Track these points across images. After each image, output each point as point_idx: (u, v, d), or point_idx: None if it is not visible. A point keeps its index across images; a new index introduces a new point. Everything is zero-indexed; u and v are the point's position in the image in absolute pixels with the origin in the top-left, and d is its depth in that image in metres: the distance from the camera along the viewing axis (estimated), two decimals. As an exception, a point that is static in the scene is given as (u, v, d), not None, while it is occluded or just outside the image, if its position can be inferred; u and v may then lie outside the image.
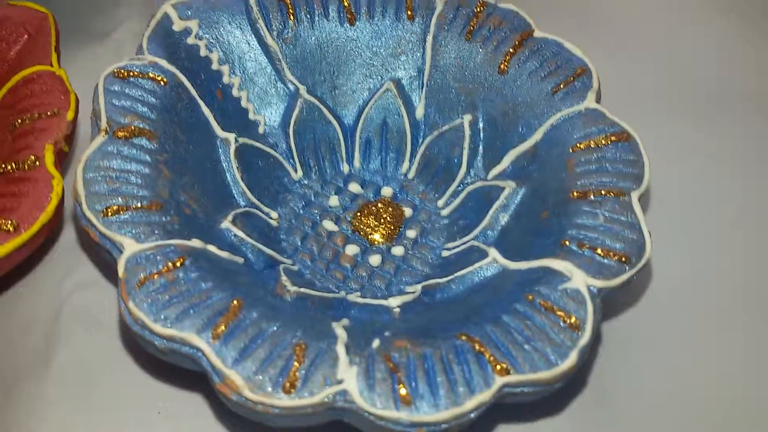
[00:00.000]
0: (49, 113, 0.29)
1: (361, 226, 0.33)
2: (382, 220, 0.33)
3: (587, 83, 0.32)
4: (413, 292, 0.30)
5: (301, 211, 0.33)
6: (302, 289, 0.28)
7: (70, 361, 0.29)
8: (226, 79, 0.33)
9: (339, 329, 0.26)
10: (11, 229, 0.26)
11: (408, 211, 0.33)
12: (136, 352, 0.29)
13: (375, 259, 0.32)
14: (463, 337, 0.25)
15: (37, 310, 0.30)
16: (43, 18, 0.32)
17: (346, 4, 0.34)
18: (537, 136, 0.32)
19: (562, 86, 0.32)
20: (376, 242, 0.32)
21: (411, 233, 0.33)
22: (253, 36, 0.34)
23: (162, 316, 0.25)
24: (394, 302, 0.29)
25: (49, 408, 0.28)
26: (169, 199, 0.28)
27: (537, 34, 0.34)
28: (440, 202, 0.34)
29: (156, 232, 0.27)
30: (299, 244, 0.32)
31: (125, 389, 0.28)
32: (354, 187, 0.34)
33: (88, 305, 0.30)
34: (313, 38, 0.34)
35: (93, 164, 0.28)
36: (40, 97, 0.30)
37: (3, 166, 0.28)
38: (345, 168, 0.35)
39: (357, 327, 0.26)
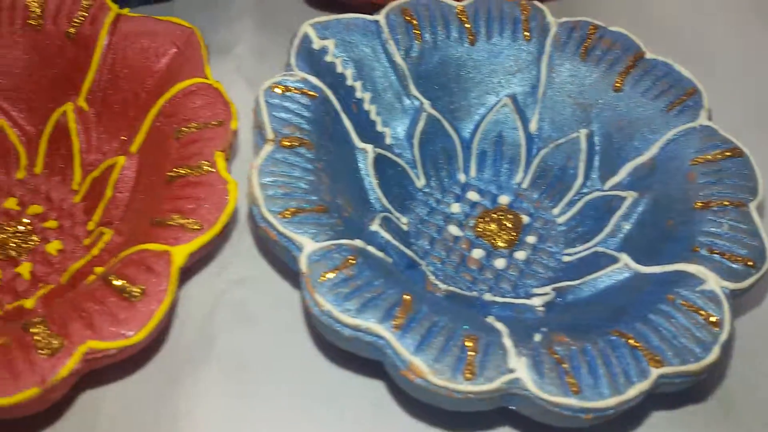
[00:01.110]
0: (214, 123, 0.32)
1: (485, 232, 0.35)
2: (504, 227, 0.35)
3: (699, 102, 0.35)
4: (545, 294, 0.32)
5: (426, 217, 0.36)
6: (451, 288, 0.31)
7: (229, 353, 0.31)
8: (358, 94, 0.36)
9: (497, 324, 0.28)
10: (197, 228, 0.29)
11: (525, 219, 0.36)
12: (295, 343, 0.31)
13: (500, 263, 0.34)
14: (617, 334, 0.28)
15: (197, 304, 0.32)
16: (190, 33, 0.35)
17: (467, 26, 0.37)
18: (654, 150, 0.34)
19: (675, 104, 0.34)
20: (499, 247, 0.35)
21: (530, 239, 0.35)
22: (383, 54, 0.36)
23: (346, 308, 0.27)
24: (537, 302, 0.31)
25: (212, 397, 0.30)
26: (331, 202, 0.31)
27: (647, 55, 0.36)
28: (555, 210, 0.36)
29: (327, 232, 0.29)
30: (428, 247, 0.35)
31: (285, 379, 0.31)
32: (472, 195, 0.37)
33: (243, 300, 0.33)
34: (436, 57, 0.37)
35: (266, 171, 0.30)
36: (204, 108, 0.32)
37: (176, 170, 0.31)
38: (462, 177, 0.37)
39: (506, 323, 0.29)
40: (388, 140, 0.36)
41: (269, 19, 0.43)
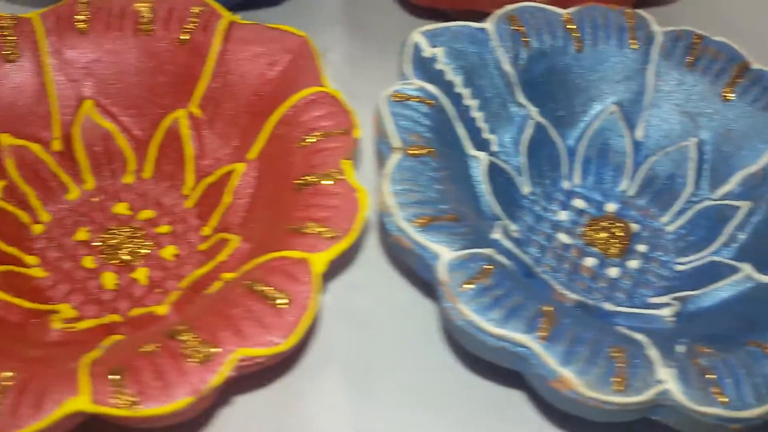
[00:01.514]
0: (338, 131, 0.32)
1: (594, 240, 0.35)
2: (614, 235, 0.35)
3: (809, 113, 0.35)
4: (672, 304, 0.32)
5: (534, 224, 0.36)
6: (580, 297, 0.31)
7: (351, 360, 0.32)
8: (466, 102, 0.36)
9: (637, 335, 0.28)
10: (333, 236, 0.29)
11: (635, 227, 0.36)
12: (422, 351, 0.32)
13: (613, 272, 0.35)
14: (754, 344, 0.28)
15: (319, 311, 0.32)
16: (302, 41, 0.35)
17: (574, 33, 0.37)
18: (765, 159, 0.34)
19: (787, 114, 0.35)
20: (612, 255, 0.35)
21: (641, 248, 0.35)
22: (491, 62, 0.36)
23: (490, 317, 0.27)
24: (667, 312, 0.31)
25: (335, 404, 0.31)
26: (459, 211, 0.31)
27: (753, 65, 0.36)
28: (664, 219, 0.36)
29: (460, 241, 0.29)
30: (538, 255, 0.35)
31: (412, 388, 0.31)
32: (578, 203, 0.37)
33: (365, 307, 0.33)
34: (543, 64, 0.37)
35: (396, 179, 0.30)
36: (326, 116, 0.32)
37: (305, 179, 0.31)
38: (566, 184, 0.37)
39: (644, 334, 0.29)
40: (494, 147, 0.37)
41: (358, 27, 0.43)
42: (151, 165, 0.36)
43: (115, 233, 0.34)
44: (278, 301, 0.27)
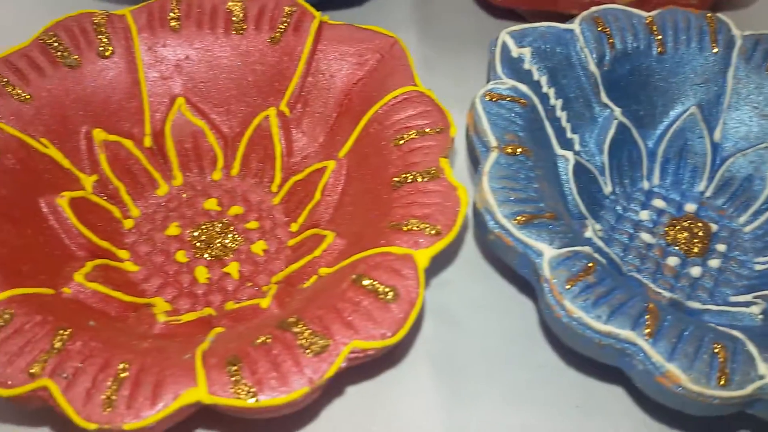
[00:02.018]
0: (434, 130, 0.32)
1: (676, 240, 0.36)
2: (695, 234, 0.36)
3: None
4: (749, 302, 0.33)
5: (616, 224, 0.36)
6: (674, 296, 0.31)
7: (443, 355, 0.32)
8: (551, 101, 0.36)
9: (734, 332, 0.29)
10: (435, 232, 0.29)
11: (713, 227, 0.36)
12: (518, 346, 0.32)
13: (696, 271, 0.35)
14: None
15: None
16: (393, 42, 0.35)
17: (658, 37, 0.37)
18: None
19: None
20: (693, 255, 0.35)
21: (720, 247, 0.36)
22: (576, 62, 0.37)
23: (596, 315, 0.28)
24: (756, 310, 0.31)
25: (425, 399, 0.31)
26: (555, 209, 0.31)
27: (834, 69, 0.37)
28: (741, 219, 0.37)
29: (561, 239, 0.30)
30: (621, 254, 0.35)
31: (508, 384, 0.31)
32: (658, 203, 0.37)
33: (447, 302, 0.33)
34: (627, 65, 0.37)
35: (495, 176, 0.31)
36: (421, 115, 0.33)
37: (404, 176, 0.31)
38: (645, 184, 0.38)
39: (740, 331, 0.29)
40: (577, 147, 0.37)
41: (430, 29, 0.44)
42: (238, 162, 0.36)
43: (205, 229, 0.35)
44: (388, 296, 0.28)
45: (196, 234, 0.35)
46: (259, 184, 0.36)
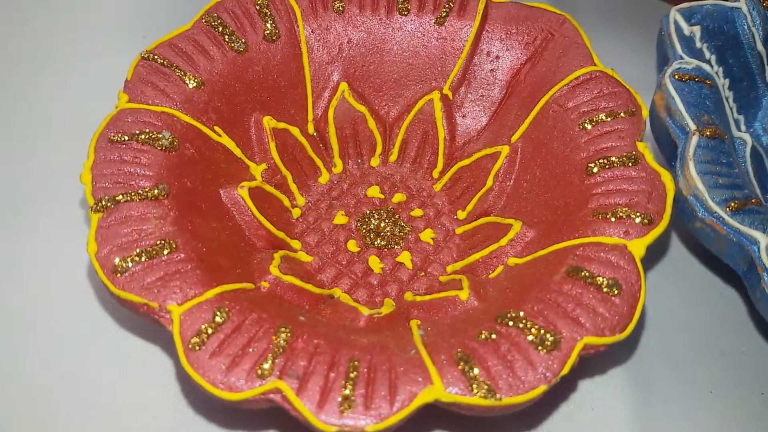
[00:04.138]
0: (625, 112, 0.31)
1: None
2: None
3: None
4: None
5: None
6: None
7: (630, 343, 0.31)
8: (718, 81, 0.35)
9: None
10: (647, 221, 0.28)
11: None
12: (711, 335, 0.31)
13: None
14: None
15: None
16: (563, 20, 0.34)
17: (824, 12, 0.36)
18: None
19: None
20: None
21: None
22: (743, 42, 0.36)
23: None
24: None
25: (612, 392, 0.30)
26: (755, 194, 0.30)
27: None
28: None
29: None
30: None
31: (694, 369, 0.30)
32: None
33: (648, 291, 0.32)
34: (793, 44, 0.36)
35: (699, 161, 0.30)
36: (607, 97, 0.32)
37: (599, 161, 0.30)
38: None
39: None
40: (742, 128, 0.36)
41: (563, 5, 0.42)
42: (397, 148, 0.35)
43: (372, 217, 0.34)
44: (611, 290, 0.27)
45: (363, 222, 0.34)
46: (418, 170, 0.35)
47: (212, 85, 0.32)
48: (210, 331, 0.25)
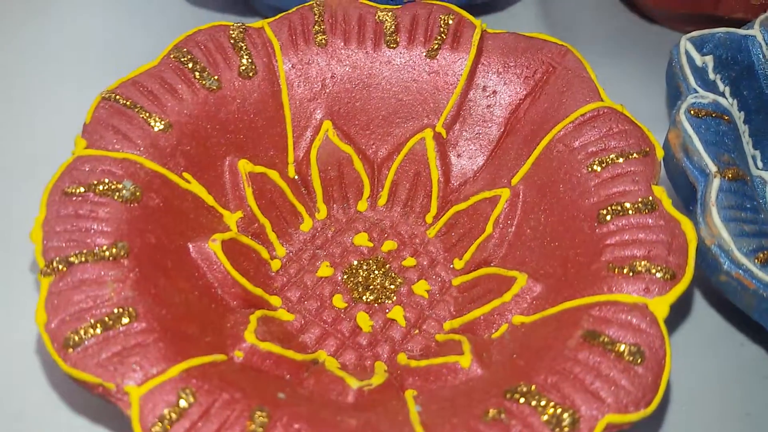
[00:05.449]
0: (637, 153, 0.28)
1: None
2: None
3: None
4: None
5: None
6: None
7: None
8: (736, 115, 0.33)
9: None
10: (668, 276, 0.25)
11: None
12: (735, 396, 0.28)
13: None
14: None
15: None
16: (564, 52, 0.31)
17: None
18: None
19: None
20: None
21: None
22: (758, 72, 0.33)
23: None
24: None
25: None
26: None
27: None
28: None
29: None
30: None
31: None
32: None
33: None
34: (809, 75, 0.34)
35: (722, 207, 0.27)
36: (616, 135, 0.29)
37: (611, 208, 0.27)
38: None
39: None
40: (759, 164, 0.33)
41: (564, 34, 0.40)
42: (386, 191, 0.32)
43: (360, 268, 0.31)
44: (633, 358, 0.24)
45: (350, 274, 0.30)
46: (410, 214, 0.32)
47: (181, 127, 0.29)
48: (173, 416, 0.22)
